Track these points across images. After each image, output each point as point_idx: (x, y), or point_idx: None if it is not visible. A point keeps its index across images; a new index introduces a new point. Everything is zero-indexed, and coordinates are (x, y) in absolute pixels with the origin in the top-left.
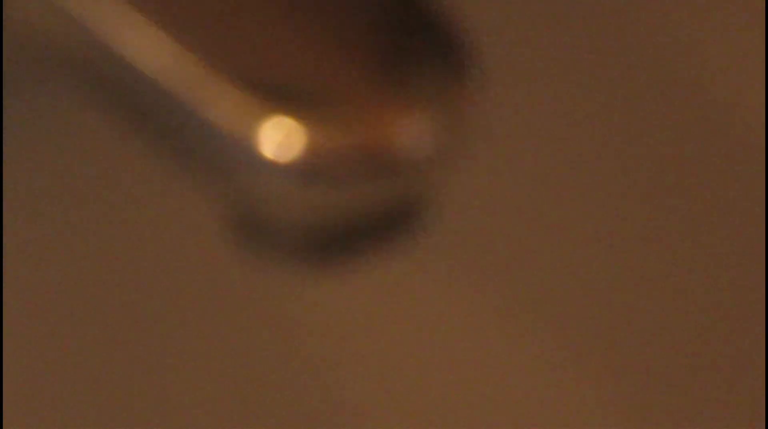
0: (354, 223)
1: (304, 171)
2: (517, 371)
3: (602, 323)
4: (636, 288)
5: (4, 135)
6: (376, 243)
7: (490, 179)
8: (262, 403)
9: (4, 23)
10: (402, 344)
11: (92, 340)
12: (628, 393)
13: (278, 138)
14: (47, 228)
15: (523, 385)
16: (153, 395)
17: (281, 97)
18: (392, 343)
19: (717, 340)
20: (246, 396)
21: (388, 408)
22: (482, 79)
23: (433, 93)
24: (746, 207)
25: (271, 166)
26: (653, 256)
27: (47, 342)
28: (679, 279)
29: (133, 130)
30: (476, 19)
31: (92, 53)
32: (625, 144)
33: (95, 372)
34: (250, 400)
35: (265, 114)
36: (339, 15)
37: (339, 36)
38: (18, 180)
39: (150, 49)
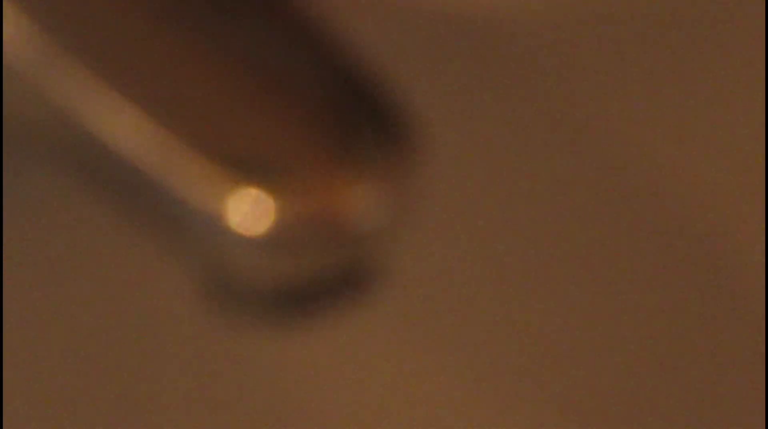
0: (312, 286)
1: (268, 241)
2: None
3: (545, 379)
4: (580, 348)
5: None
6: (333, 304)
7: (434, 244)
8: None
9: None
10: (355, 392)
11: (69, 405)
12: None
13: (243, 210)
14: (22, 297)
15: None
16: None
17: (245, 172)
18: (346, 391)
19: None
20: None
21: None
22: (427, 156)
23: (383, 168)
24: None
25: (237, 237)
26: (604, 321)
27: (24, 410)
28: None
29: (106, 202)
30: (421, 101)
31: (66, 129)
32: (564, 217)
33: None
34: None
35: (231, 186)
36: (296, 98)
37: (297, 117)
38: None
39: (122, 127)
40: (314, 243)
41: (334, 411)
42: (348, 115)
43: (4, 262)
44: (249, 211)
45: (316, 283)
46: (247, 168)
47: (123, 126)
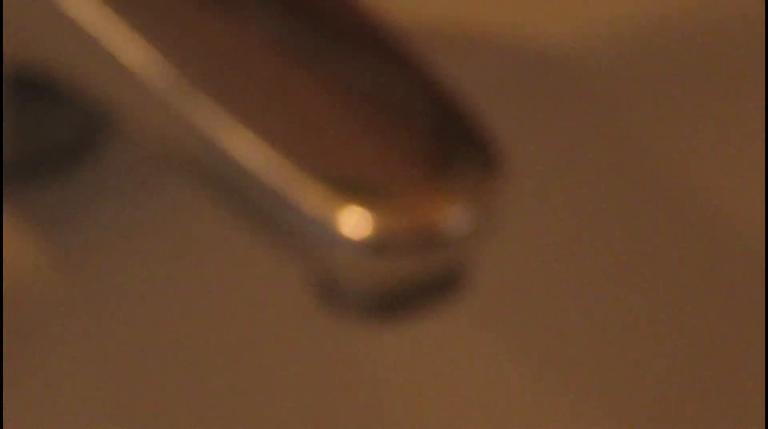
0: (410, 287)
1: (373, 246)
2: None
3: (613, 384)
4: (641, 348)
5: (126, 213)
6: (427, 302)
7: (514, 253)
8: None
9: (130, 131)
10: (444, 379)
11: (188, 392)
12: None
13: (353, 220)
14: (155, 291)
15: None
16: None
17: (355, 188)
18: (438, 377)
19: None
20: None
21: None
22: (508, 176)
23: (471, 186)
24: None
25: (347, 243)
26: (653, 323)
27: (142, 393)
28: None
29: (239, 215)
30: (506, 128)
31: (204, 152)
32: (629, 232)
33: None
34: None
35: (342, 202)
36: (399, 126)
37: (399, 142)
38: (132, 253)
39: (253, 152)
40: (410, 248)
41: (426, 401)
42: (444, 144)
43: (145, 263)
44: (357, 220)
45: (412, 284)
46: (357, 185)
47: (256, 153)
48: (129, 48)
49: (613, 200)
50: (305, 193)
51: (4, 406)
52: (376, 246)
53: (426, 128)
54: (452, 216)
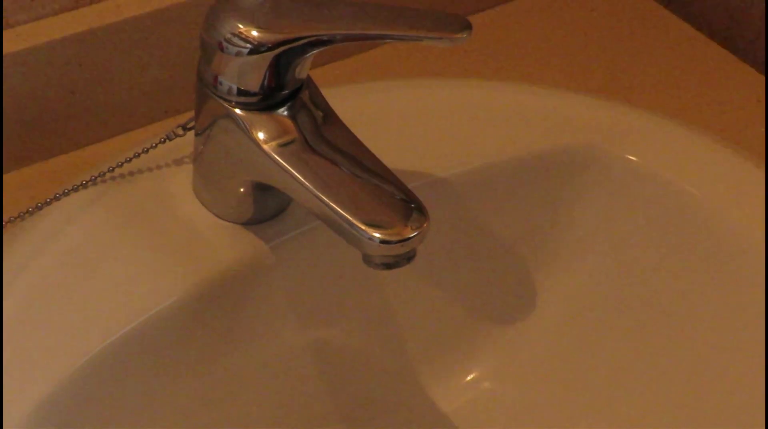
0: (397, 259)
1: (383, 247)
2: None
3: None
4: None
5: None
6: (404, 264)
7: (430, 249)
8: None
9: None
10: (411, 286)
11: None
12: None
13: (374, 237)
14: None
15: None
16: None
17: (375, 224)
18: (409, 284)
19: None
20: None
21: None
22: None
23: (420, 225)
24: None
25: (373, 245)
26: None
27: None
28: None
29: (333, 232)
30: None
31: (320, 210)
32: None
33: None
34: None
35: (370, 230)
36: (387, 201)
37: (388, 206)
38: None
39: (336, 210)
40: (398, 248)
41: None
42: (407, 207)
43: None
44: (376, 238)
45: (400, 259)
46: (375, 223)
47: (337, 209)
48: (297, 177)
49: (457, 254)
50: (356, 225)
51: None
52: (384, 247)
53: (400, 201)
54: (413, 235)
